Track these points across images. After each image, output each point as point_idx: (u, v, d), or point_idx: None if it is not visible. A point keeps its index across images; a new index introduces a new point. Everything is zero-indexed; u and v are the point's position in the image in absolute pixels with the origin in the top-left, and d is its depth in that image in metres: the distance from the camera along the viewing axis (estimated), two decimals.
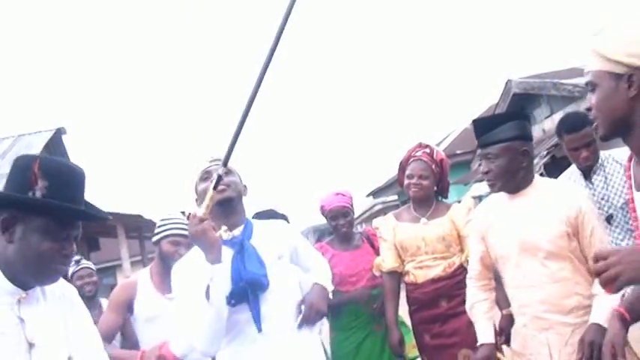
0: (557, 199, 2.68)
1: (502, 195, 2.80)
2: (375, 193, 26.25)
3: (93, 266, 5.05)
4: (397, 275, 3.78)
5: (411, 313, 3.80)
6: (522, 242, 2.69)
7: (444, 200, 3.96)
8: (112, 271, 21.12)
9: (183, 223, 3.58)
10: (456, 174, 15.04)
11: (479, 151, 2.86)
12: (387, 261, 3.79)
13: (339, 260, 4.02)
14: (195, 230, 2.38)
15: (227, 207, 2.66)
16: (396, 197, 25.53)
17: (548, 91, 13.52)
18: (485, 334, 2.91)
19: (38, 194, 1.80)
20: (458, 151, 18.36)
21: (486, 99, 25.78)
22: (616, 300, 2.35)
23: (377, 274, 3.90)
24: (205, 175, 2.76)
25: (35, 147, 12.26)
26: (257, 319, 2.60)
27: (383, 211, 25.21)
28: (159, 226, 3.75)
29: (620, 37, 1.74)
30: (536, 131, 13.90)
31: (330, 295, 2.97)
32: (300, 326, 2.69)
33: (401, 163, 3.94)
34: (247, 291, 2.58)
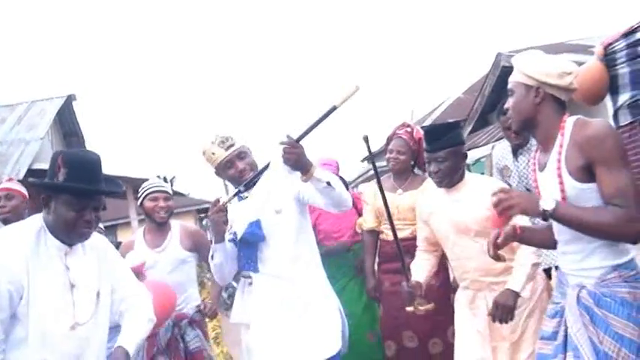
0: (482, 190, 3.25)
1: (440, 189, 3.45)
2: (369, 159, 26.71)
3: (102, 226, 5.78)
4: (375, 233, 4.40)
5: (379, 264, 4.43)
6: (457, 224, 3.34)
7: (420, 173, 4.51)
8: (114, 229, 21.64)
9: (158, 182, 4.20)
10: None
11: (427, 155, 3.42)
12: (367, 221, 4.42)
13: (324, 218, 4.65)
14: (212, 215, 3.13)
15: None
16: (385, 163, 26.05)
17: None
18: (416, 275, 3.50)
19: (60, 179, 2.48)
20: (450, 120, 18.74)
21: (477, 71, 26.07)
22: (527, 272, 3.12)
23: (359, 231, 4.55)
24: (228, 165, 3.30)
25: (48, 113, 12.69)
26: (255, 263, 3.28)
27: (374, 178, 25.63)
28: (141, 189, 4.21)
29: (535, 59, 2.43)
30: None
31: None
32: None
33: (387, 139, 4.49)
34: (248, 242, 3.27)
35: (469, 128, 16.44)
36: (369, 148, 3.56)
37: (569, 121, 2.37)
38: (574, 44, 13.49)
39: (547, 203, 2.27)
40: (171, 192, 4.23)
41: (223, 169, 3.34)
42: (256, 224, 3.24)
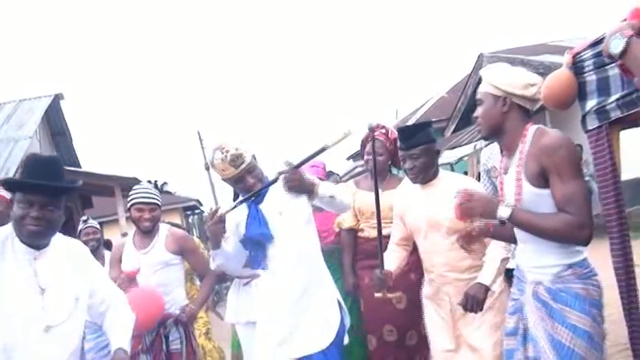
0: (456, 187, 3.28)
1: (415, 185, 3.64)
2: (355, 157, 26.92)
3: (97, 225, 5.87)
4: (353, 232, 4.54)
5: (358, 261, 4.54)
6: (429, 220, 3.54)
7: (395, 173, 4.73)
8: (101, 226, 21.69)
9: (147, 191, 4.27)
10: None
11: (402, 152, 3.62)
12: (346, 220, 4.55)
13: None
14: (211, 226, 3.35)
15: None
16: None
17: (517, 66, 14.08)
18: (388, 265, 3.62)
19: (16, 177, 2.60)
20: (433, 119, 18.82)
21: (461, 70, 26.33)
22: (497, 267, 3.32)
23: (337, 229, 4.69)
24: (239, 180, 3.49)
25: (36, 112, 12.71)
26: (262, 261, 3.55)
27: (364, 173, 25.82)
28: (129, 195, 4.32)
29: (502, 72, 2.67)
30: None
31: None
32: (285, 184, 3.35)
33: (362, 140, 4.65)
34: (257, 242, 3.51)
35: (452, 127, 16.69)
36: (373, 148, 3.70)
37: (531, 130, 2.58)
38: (554, 45, 13.75)
39: (503, 211, 2.48)
40: (159, 201, 4.31)
41: (233, 182, 3.56)
42: (265, 225, 3.51)
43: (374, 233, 4.32)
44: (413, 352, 4.38)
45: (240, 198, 3.56)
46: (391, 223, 4.31)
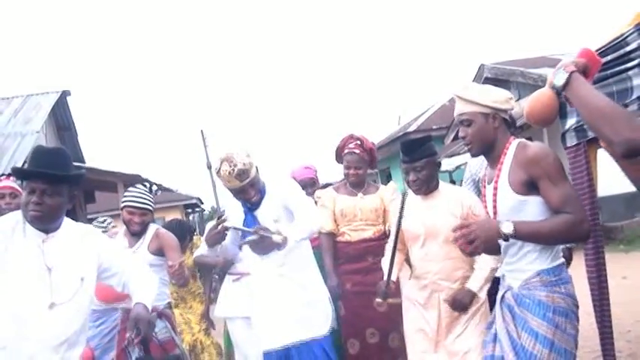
0: (454, 199, 3.67)
1: (414, 195, 3.77)
2: None
3: (108, 219, 6.17)
4: (332, 236, 4.59)
5: (340, 265, 4.58)
6: (428, 229, 3.67)
7: (372, 182, 4.88)
8: None
9: (140, 196, 4.40)
10: None
11: (406, 165, 3.70)
12: (325, 224, 4.56)
13: None
14: (213, 234, 3.64)
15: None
16: None
17: (517, 78, 14.40)
18: (387, 274, 3.72)
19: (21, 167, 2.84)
20: (434, 127, 18.97)
21: (461, 81, 26.43)
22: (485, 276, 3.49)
23: (316, 234, 4.67)
24: (241, 191, 3.72)
25: (43, 107, 12.94)
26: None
27: (372, 176, 25.93)
28: (124, 196, 4.46)
29: (483, 90, 2.84)
30: None
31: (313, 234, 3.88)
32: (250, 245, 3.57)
33: (337, 149, 4.75)
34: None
35: (451, 136, 16.85)
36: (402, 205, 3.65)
37: (514, 143, 2.77)
38: (554, 58, 13.92)
39: (507, 227, 2.56)
40: (151, 206, 4.45)
41: (235, 192, 3.77)
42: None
43: (356, 236, 4.59)
44: (395, 354, 4.51)
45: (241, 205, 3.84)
46: (372, 225, 4.59)
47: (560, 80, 2.12)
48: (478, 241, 2.59)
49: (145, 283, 3.09)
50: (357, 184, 4.69)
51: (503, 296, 2.78)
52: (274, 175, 3.98)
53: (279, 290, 3.78)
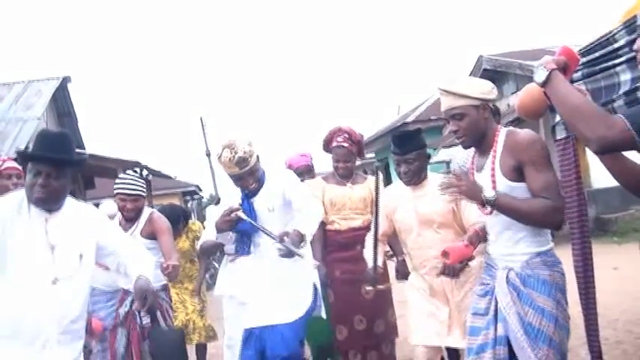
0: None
1: (405, 187, 3.89)
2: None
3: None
4: (322, 224, 4.55)
5: (329, 253, 4.70)
6: (421, 217, 3.79)
7: (360, 172, 5.02)
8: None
9: (131, 182, 4.49)
10: (427, 138, 15.77)
11: (397, 157, 3.82)
12: None
13: None
14: (225, 222, 3.76)
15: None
16: (373, 155, 26.37)
17: (515, 70, 14.48)
18: (370, 260, 3.85)
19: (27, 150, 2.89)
20: (432, 117, 18.95)
21: (462, 70, 26.47)
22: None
23: None
24: (240, 178, 3.86)
25: (44, 93, 13.00)
26: (247, 247, 3.95)
27: (362, 167, 26.04)
28: (115, 183, 4.55)
29: (469, 83, 2.95)
30: (502, 105, 14.63)
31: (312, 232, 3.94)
32: (280, 252, 3.65)
33: (325, 141, 4.85)
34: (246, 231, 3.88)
35: (449, 126, 16.88)
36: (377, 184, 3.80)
37: (503, 131, 2.91)
38: (552, 51, 13.96)
39: (489, 193, 2.78)
40: (142, 191, 4.53)
41: (234, 179, 3.91)
42: (255, 219, 3.87)
43: (345, 225, 4.71)
44: (381, 339, 4.72)
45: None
46: (361, 214, 4.71)
47: (540, 77, 2.24)
48: (463, 193, 2.83)
49: (143, 262, 3.17)
50: (346, 175, 4.81)
51: (507, 277, 2.89)
52: (273, 165, 4.10)
53: (267, 274, 3.91)
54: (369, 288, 3.90)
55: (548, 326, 2.76)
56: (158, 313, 4.17)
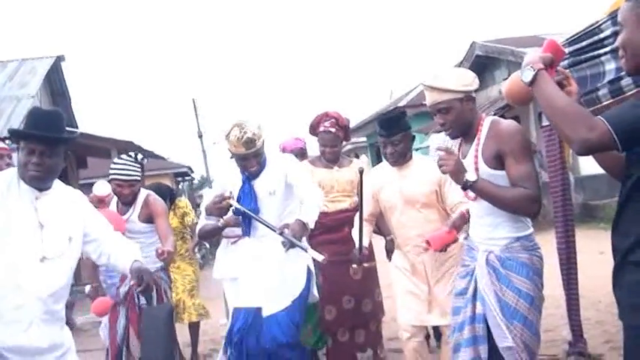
0: (427, 168, 3.84)
1: (390, 167, 3.99)
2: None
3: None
4: None
5: (317, 235, 4.59)
6: (405, 197, 3.89)
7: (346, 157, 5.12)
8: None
9: (127, 167, 4.47)
10: (419, 123, 15.75)
11: (383, 139, 3.91)
12: None
13: None
14: (216, 208, 3.79)
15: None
16: (364, 139, 26.51)
17: (507, 57, 14.51)
18: (364, 241, 3.91)
19: (20, 128, 2.91)
20: (424, 102, 19.12)
21: (452, 57, 26.52)
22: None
23: None
24: (244, 158, 3.86)
25: (38, 72, 12.97)
26: (247, 229, 3.99)
27: (353, 151, 26.20)
28: (110, 168, 4.53)
29: (451, 76, 3.04)
30: (494, 91, 14.94)
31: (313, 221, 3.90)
32: (285, 247, 3.64)
33: (311, 125, 4.90)
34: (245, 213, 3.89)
35: (436, 119, 16.88)
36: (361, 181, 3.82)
37: (487, 120, 3.01)
38: (545, 38, 14.01)
39: (471, 176, 2.89)
40: (138, 175, 4.53)
41: (238, 158, 3.92)
42: (255, 202, 3.94)
43: (332, 207, 4.79)
44: (368, 318, 4.86)
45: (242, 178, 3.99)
46: (347, 196, 4.82)
47: (527, 77, 2.28)
48: (447, 169, 2.91)
49: (130, 248, 3.20)
50: (332, 159, 4.90)
51: (487, 259, 3.01)
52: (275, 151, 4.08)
53: (265, 257, 3.96)
54: (354, 267, 4.05)
55: (524, 306, 2.89)
56: (154, 294, 4.21)
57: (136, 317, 4.32)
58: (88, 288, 4.77)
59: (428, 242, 3.30)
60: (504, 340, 2.89)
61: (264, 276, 3.93)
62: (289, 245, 3.62)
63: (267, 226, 3.74)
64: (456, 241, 3.46)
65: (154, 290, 4.36)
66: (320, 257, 3.57)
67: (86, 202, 3.20)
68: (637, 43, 2.10)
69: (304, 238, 3.83)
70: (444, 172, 2.97)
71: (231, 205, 3.77)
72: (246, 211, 3.82)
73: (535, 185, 2.86)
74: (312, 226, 3.80)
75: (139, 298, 4.32)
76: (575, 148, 2.11)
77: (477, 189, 2.90)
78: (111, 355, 4.43)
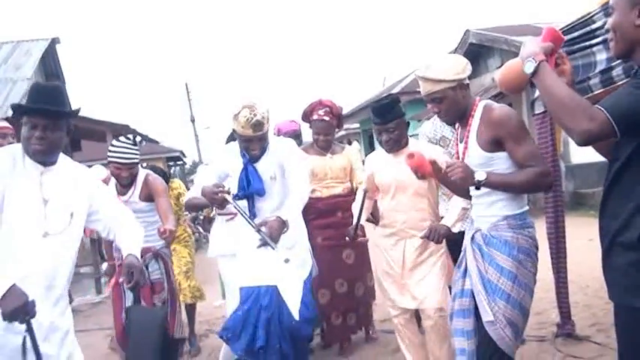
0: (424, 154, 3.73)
1: (385, 152, 4.01)
2: None
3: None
4: None
5: (311, 220, 4.71)
6: (398, 182, 3.93)
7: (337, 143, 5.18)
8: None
9: (126, 150, 4.46)
10: (413, 110, 15.90)
11: (378, 127, 3.91)
12: None
13: None
14: (210, 197, 3.70)
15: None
16: (357, 125, 26.56)
17: (500, 45, 14.56)
18: (362, 218, 4.02)
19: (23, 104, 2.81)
20: (417, 89, 19.22)
21: (446, 45, 26.51)
22: (458, 213, 3.74)
23: None
24: (248, 140, 3.80)
25: (34, 54, 12.94)
26: (252, 211, 3.96)
27: (346, 137, 26.27)
28: (109, 151, 4.53)
29: (443, 65, 3.06)
30: (487, 79, 14.97)
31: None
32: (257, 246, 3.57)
33: (305, 112, 4.99)
34: (250, 194, 3.91)
35: (430, 107, 16.92)
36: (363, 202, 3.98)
37: (480, 105, 3.07)
38: (539, 27, 14.08)
39: (480, 175, 2.91)
40: (137, 157, 4.52)
41: (242, 140, 3.87)
42: (260, 182, 3.92)
43: (326, 192, 4.91)
44: (360, 301, 5.01)
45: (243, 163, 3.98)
46: (340, 182, 4.93)
47: (529, 69, 2.30)
48: (457, 176, 2.93)
49: (133, 233, 3.21)
50: (325, 147, 4.98)
51: (473, 237, 3.10)
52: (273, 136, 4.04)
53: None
54: (347, 239, 4.07)
55: (506, 283, 2.93)
56: (141, 293, 4.06)
57: (148, 292, 4.35)
58: (105, 265, 4.83)
59: (411, 155, 3.20)
60: (486, 315, 2.96)
61: (274, 255, 3.76)
62: (262, 243, 3.55)
63: (249, 222, 3.68)
64: (424, 177, 3.32)
65: (165, 272, 4.52)
66: (284, 257, 3.52)
67: (93, 178, 3.21)
68: (626, 27, 2.15)
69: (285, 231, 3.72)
70: (455, 180, 3.00)
71: (225, 200, 3.69)
72: (237, 207, 3.75)
73: (541, 160, 2.92)
74: (291, 223, 3.70)
75: (148, 273, 4.27)
76: (576, 139, 2.14)
77: (490, 184, 2.94)
78: (116, 330, 4.51)
